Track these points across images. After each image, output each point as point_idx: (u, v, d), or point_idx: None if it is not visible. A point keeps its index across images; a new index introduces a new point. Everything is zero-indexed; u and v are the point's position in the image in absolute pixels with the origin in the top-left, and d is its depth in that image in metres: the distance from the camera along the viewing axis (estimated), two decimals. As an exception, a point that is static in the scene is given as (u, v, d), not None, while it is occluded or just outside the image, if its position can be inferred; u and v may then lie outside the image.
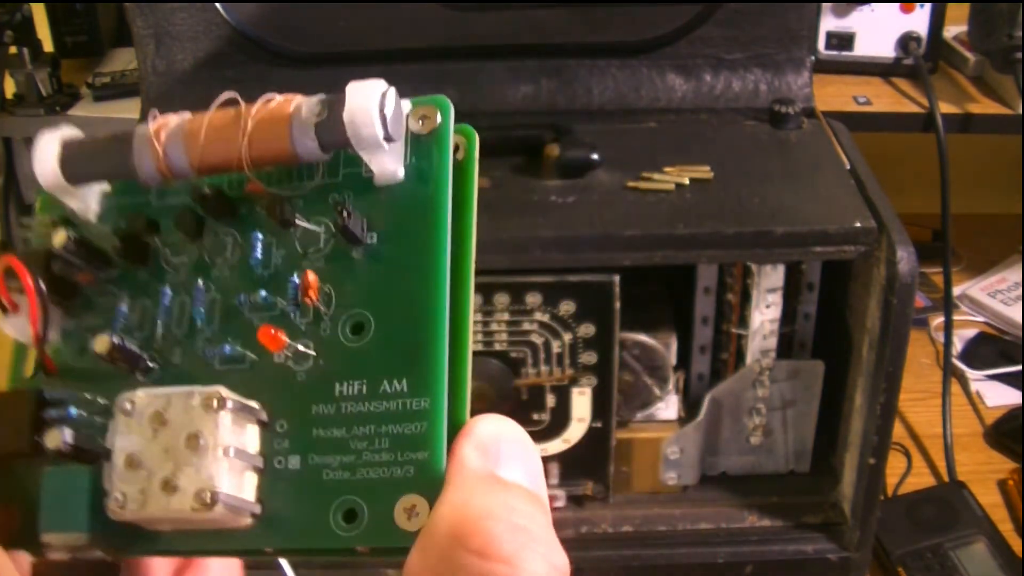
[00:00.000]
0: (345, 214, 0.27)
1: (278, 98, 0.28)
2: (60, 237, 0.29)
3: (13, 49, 0.89)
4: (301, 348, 0.28)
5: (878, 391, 0.64)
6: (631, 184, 0.68)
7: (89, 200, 0.31)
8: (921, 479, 0.87)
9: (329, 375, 0.27)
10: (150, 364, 0.29)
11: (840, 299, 0.70)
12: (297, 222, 0.28)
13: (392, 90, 0.27)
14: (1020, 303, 1.05)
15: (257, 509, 0.27)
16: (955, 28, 0.95)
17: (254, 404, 0.27)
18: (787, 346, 0.73)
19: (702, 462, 0.75)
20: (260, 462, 0.27)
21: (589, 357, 0.67)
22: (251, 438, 0.27)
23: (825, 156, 0.71)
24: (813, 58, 0.78)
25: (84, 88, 0.92)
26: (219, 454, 0.26)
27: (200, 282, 0.29)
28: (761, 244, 0.63)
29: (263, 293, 0.29)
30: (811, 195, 0.66)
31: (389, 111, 0.27)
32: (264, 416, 0.27)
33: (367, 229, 0.28)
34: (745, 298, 0.70)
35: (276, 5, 0.75)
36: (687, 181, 0.68)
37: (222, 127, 0.28)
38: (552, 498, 0.74)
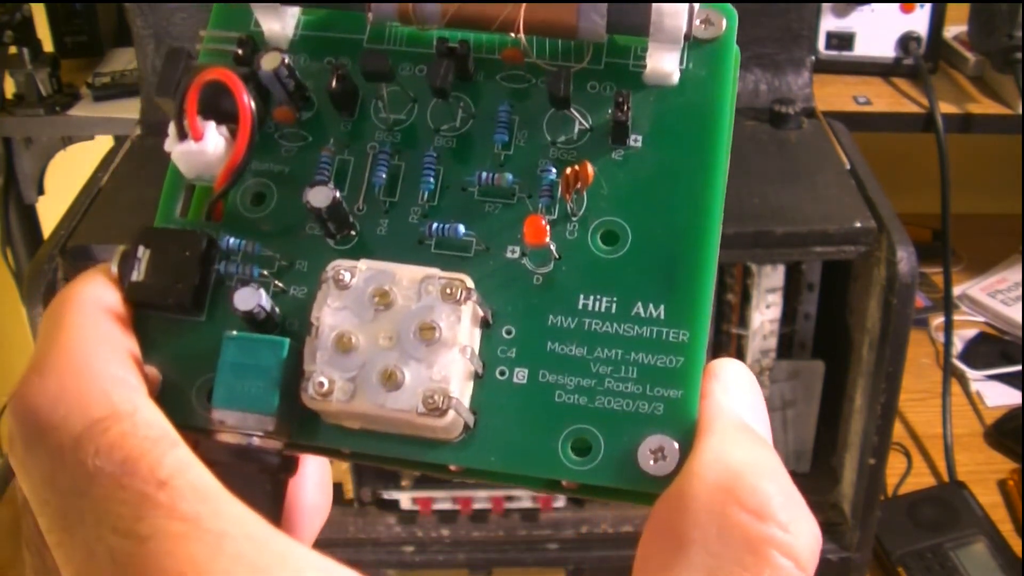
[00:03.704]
0: (626, 107, 0.24)
1: None
2: (274, 59, 0.25)
3: (13, 49, 0.89)
4: (552, 248, 0.24)
5: (878, 391, 0.64)
6: (631, 184, 0.67)
7: (287, 23, 0.26)
8: (921, 479, 0.87)
9: (572, 284, 0.24)
10: (351, 231, 0.25)
11: (840, 299, 0.70)
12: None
13: None
14: (1020, 303, 1.05)
15: (472, 420, 0.23)
16: (955, 28, 0.95)
17: (484, 302, 0.24)
18: (787, 346, 0.73)
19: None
20: (481, 368, 0.24)
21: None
22: (476, 340, 0.23)
23: (825, 156, 0.71)
24: (813, 58, 0.78)
25: (84, 88, 0.92)
26: (456, 353, 0.22)
27: (432, 149, 0.25)
28: (761, 244, 0.63)
29: (510, 176, 0.25)
30: (811, 195, 0.66)
31: (696, 6, 0.25)
32: (489, 316, 0.24)
33: (631, 130, 0.25)
34: (745, 298, 0.70)
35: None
36: (687, 181, 0.67)
37: None
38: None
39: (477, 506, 0.75)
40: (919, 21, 0.90)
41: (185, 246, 0.24)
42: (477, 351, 0.23)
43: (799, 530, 0.21)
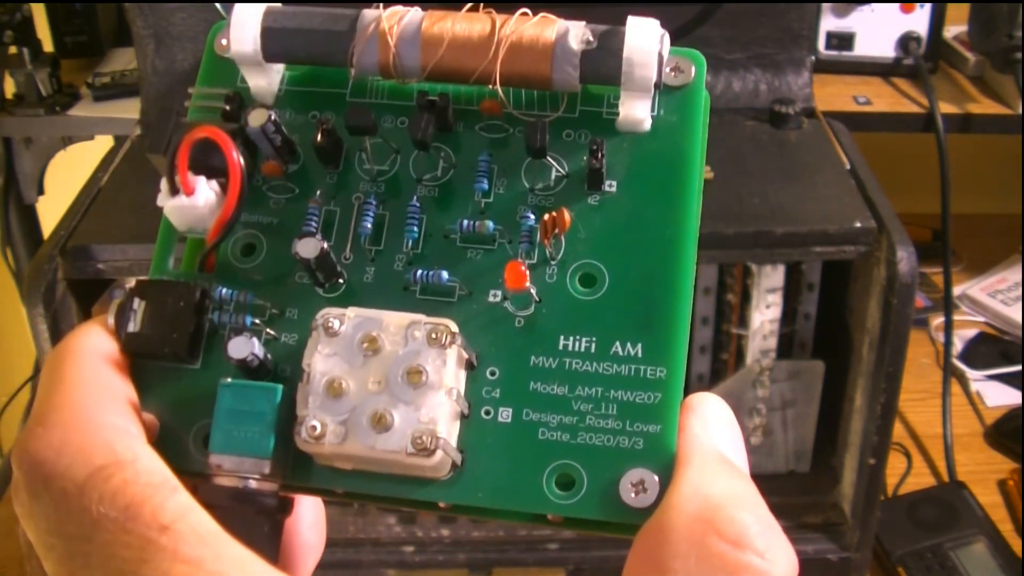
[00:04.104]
0: (600, 155, 0.25)
1: (532, 16, 0.25)
2: (261, 116, 0.26)
3: (13, 49, 0.89)
4: (532, 291, 0.25)
5: (878, 391, 0.64)
6: (631, 184, 0.67)
7: (272, 79, 0.27)
8: (921, 479, 0.87)
9: (552, 326, 0.25)
10: (339, 280, 0.26)
11: (840, 299, 0.70)
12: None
13: (667, 35, 0.25)
14: (1020, 303, 1.05)
15: (459, 459, 0.24)
16: (955, 28, 0.95)
17: (469, 345, 0.25)
18: (787, 346, 0.73)
19: (702, 462, 0.75)
20: (467, 408, 0.24)
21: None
22: (461, 381, 0.24)
23: (825, 156, 0.71)
24: (813, 58, 0.78)
25: (84, 88, 0.92)
26: (443, 395, 0.23)
27: (415, 199, 0.26)
28: (761, 244, 0.63)
29: (491, 224, 0.26)
30: (811, 195, 0.66)
31: (665, 55, 0.25)
32: (474, 358, 0.25)
33: (606, 175, 0.26)
34: (745, 298, 0.70)
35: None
36: (687, 181, 0.67)
37: (472, 35, 0.25)
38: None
39: (477, 506, 0.75)
40: (919, 21, 0.90)
41: (179, 297, 0.25)
42: (463, 392, 0.24)
43: (775, 557, 0.22)
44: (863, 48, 0.91)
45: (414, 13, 0.26)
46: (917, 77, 0.90)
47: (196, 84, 0.28)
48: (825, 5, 0.89)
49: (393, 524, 0.74)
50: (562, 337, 0.25)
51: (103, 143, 0.89)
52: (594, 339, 0.25)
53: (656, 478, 0.24)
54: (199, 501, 0.22)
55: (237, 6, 0.26)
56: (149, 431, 0.24)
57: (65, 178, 0.90)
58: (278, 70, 0.27)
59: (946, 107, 0.87)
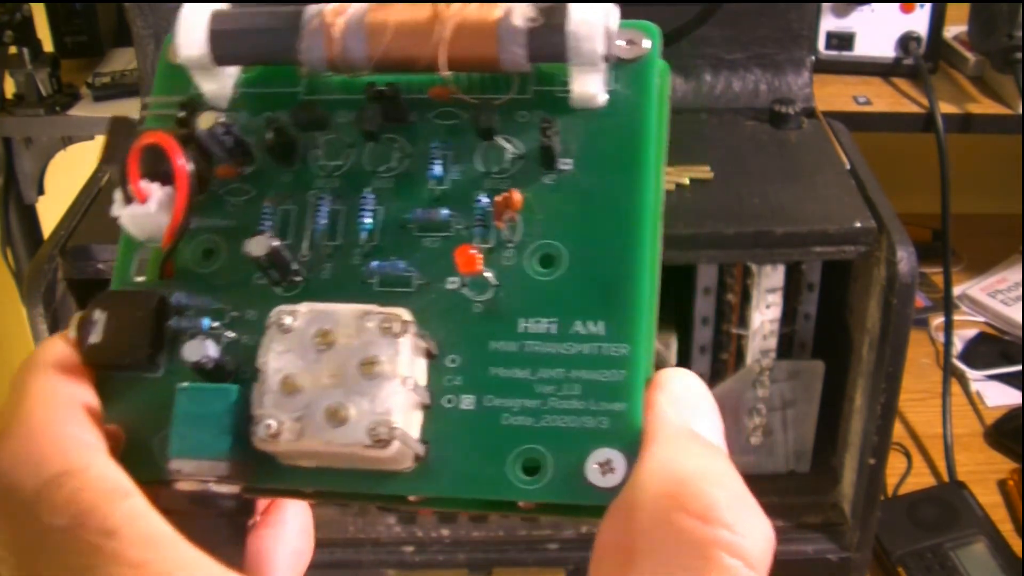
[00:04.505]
0: (551, 133, 0.25)
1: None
2: (209, 119, 0.25)
3: (13, 49, 0.89)
4: (488, 275, 0.25)
5: (878, 391, 0.64)
6: (631, 184, 0.67)
7: (225, 83, 0.27)
8: (921, 479, 0.87)
9: (512, 309, 0.25)
10: (296, 277, 0.25)
11: (840, 299, 0.70)
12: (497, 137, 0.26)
13: (615, 7, 0.25)
14: (1020, 303, 1.05)
15: (421, 450, 0.24)
16: (955, 28, 0.95)
17: (426, 333, 0.24)
18: (787, 346, 0.73)
19: (702, 462, 0.75)
20: (428, 398, 0.24)
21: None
22: (420, 371, 0.24)
23: (825, 156, 0.71)
24: (813, 58, 0.78)
25: (84, 88, 0.92)
26: (397, 385, 0.23)
27: (368, 191, 0.26)
28: (761, 244, 0.63)
29: (445, 211, 0.25)
30: (811, 195, 0.66)
31: (613, 28, 0.25)
32: (434, 348, 0.24)
33: (561, 154, 0.25)
34: (745, 298, 0.70)
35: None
36: (687, 181, 0.68)
37: (416, 22, 0.25)
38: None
39: (477, 506, 0.75)
40: (919, 21, 0.90)
41: (138, 306, 0.25)
42: (423, 382, 0.24)
43: (746, 530, 0.21)
44: (863, 48, 0.91)
45: (358, 6, 0.25)
46: (917, 77, 0.90)
47: (152, 93, 0.28)
48: (825, 5, 0.89)
49: (393, 524, 0.74)
50: (522, 320, 0.25)
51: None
52: (555, 320, 0.24)
53: (623, 457, 0.23)
54: (160, 507, 0.22)
55: (183, 10, 0.26)
56: (114, 441, 0.24)
57: (65, 178, 0.90)
58: (231, 73, 0.27)
59: (946, 107, 0.87)
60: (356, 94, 0.27)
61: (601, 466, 0.23)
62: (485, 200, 0.25)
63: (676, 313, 0.74)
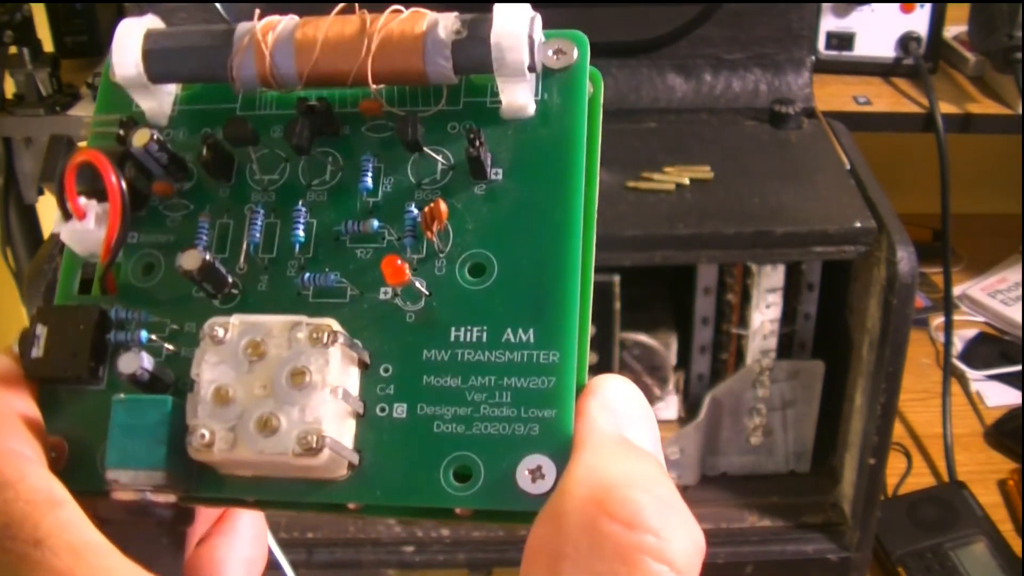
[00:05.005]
0: (478, 143, 0.25)
1: (405, 11, 0.25)
2: (143, 136, 0.26)
3: (13, 49, 0.89)
4: (419, 285, 0.25)
5: (878, 391, 0.64)
6: (631, 184, 0.68)
7: (164, 101, 0.28)
8: (921, 479, 0.87)
9: (443, 318, 0.25)
10: (233, 290, 0.26)
11: (840, 299, 0.70)
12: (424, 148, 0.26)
13: (538, 16, 0.25)
14: (1020, 303, 1.05)
15: (355, 459, 0.24)
16: (955, 28, 0.95)
17: (358, 343, 0.25)
18: (787, 346, 0.73)
19: (702, 462, 0.75)
20: (361, 407, 0.25)
21: (589, 357, 0.67)
22: (353, 380, 0.24)
23: (825, 156, 0.71)
24: (813, 58, 0.78)
25: (84, 88, 0.92)
26: (327, 394, 0.23)
27: (300, 204, 0.26)
28: (761, 244, 0.63)
29: (375, 222, 0.26)
30: (811, 195, 0.66)
31: (537, 38, 0.25)
32: (367, 357, 0.25)
33: (492, 164, 0.26)
34: (745, 298, 0.70)
35: (275, 5, 0.75)
36: (687, 181, 0.68)
37: (343, 37, 0.25)
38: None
39: (477, 506, 0.75)
40: (919, 21, 0.90)
41: (79, 320, 0.26)
42: (356, 392, 0.24)
43: (672, 535, 0.21)
44: (863, 48, 0.91)
45: (288, 21, 0.26)
46: (917, 77, 0.90)
47: (95, 112, 0.28)
48: (825, 5, 0.89)
49: (393, 524, 0.74)
50: (453, 329, 0.25)
51: (103, 143, 0.89)
52: (485, 328, 0.25)
53: (553, 463, 0.23)
54: (98, 518, 0.22)
55: (118, 29, 0.27)
56: (59, 453, 0.25)
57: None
58: (169, 91, 0.28)
59: (946, 107, 0.87)
60: (290, 109, 0.27)
61: (532, 472, 0.24)
62: (415, 211, 0.26)
63: (676, 313, 0.74)
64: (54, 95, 0.90)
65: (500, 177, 0.26)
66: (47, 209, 0.98)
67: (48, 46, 0.96)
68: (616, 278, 0.67)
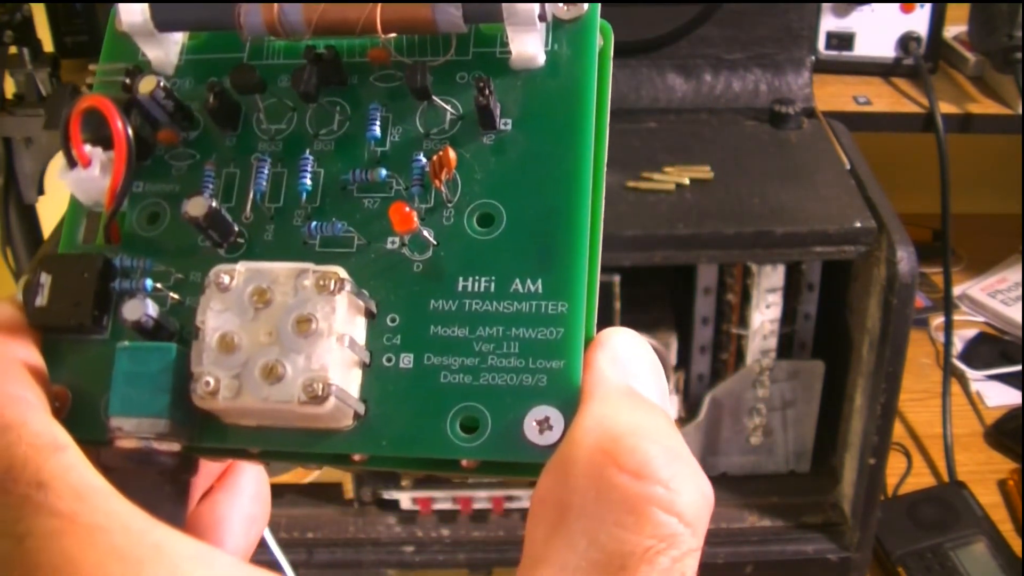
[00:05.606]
0: (487, 92, 0.25)
1: None
2: (149, 83, 0.26)
3: (13, 49, 0.89)
4: (426, 234, 0.25)
5: (878, 391, 0.64)
6: (631, 184, 0.68)
7: (170, 50, 0.27)
8: (921, 479, 0.87)
9: (451, 268, 0.25)
10: (239, 239, 0.26)
11: (840, 299, 0.70)
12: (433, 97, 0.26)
13: None
14: (1020, 303, 1.05)
15: (361, 409, 0.24)
16: (955, 28, 0.95)
17: (364, 292, 0.24)
18: (787, 346, 0.73)
19: (702, 462, 0.75)
20: (367, 357, 0.24)
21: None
22: (359, 330, 0.24)
23: (825, 156, 0.71)
24: (813, 58, 0.78)
25: (84, 88, 0.92)
26: (333, 342, 0.23)
27: (307, 153, 0.26)
28: (761, 244, 0.63)
29: (383, 171, 0.26)
30: (811, 195, 0.66)
31: None
32: (373, 307, 0.25)
33: (500, 114, 0.26)
34: (745, 298, 0.70)
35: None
36: (687, 181, 0.68)
37: None
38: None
39: (477, 506, 0.75)
40: (919, 21, 0.90)
41: (83, 269, 0.25)
42: (362, 341, 0.24)
43: (681, 487, 0.21)
44: (863, 48, 0.91)
45: None
46: (917, 77, 0.90)
47: (100, 61, 0.28)
48: (825, 5, 0.89)
49: (393, 524, 0.74)
50: (461, 279, 0.25)
51: (103, 143, 0.89)
52: (493, 278, 0.25)
53: (560, 414, 0.23)
54: (101, 465, 0.22)
55: None
56: (62, 402, 0.25)
57: (65, 178, 0.90)
58: (176, 40, 0.28)
59: (946, 107, 0.87)
60: (298, 58, 0.27)
61: (539, 423, 0.23)
62: (423, 160, 0.26)
63: (676, 313, 0.74)
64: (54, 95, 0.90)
65: (509, 127, 0.26)
66: (47, 209, 0.98)
67: (48, 46, 0.96)
68: (616, 278, 0.67)
